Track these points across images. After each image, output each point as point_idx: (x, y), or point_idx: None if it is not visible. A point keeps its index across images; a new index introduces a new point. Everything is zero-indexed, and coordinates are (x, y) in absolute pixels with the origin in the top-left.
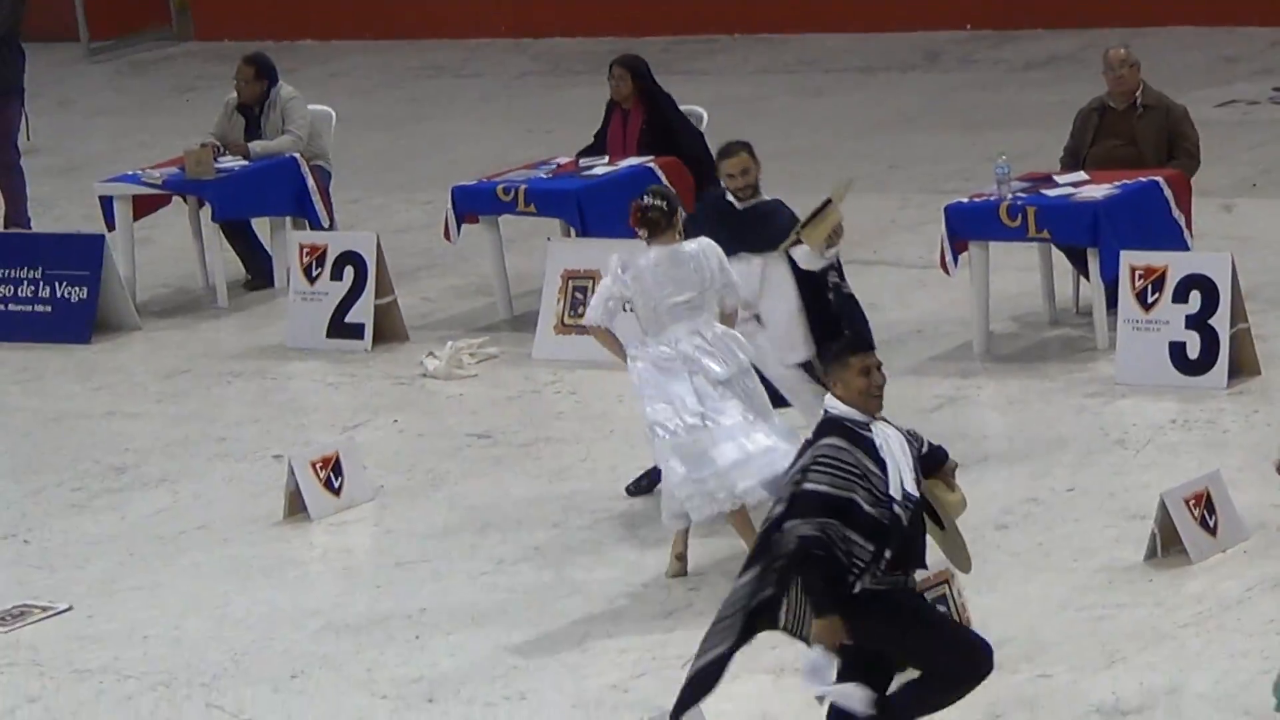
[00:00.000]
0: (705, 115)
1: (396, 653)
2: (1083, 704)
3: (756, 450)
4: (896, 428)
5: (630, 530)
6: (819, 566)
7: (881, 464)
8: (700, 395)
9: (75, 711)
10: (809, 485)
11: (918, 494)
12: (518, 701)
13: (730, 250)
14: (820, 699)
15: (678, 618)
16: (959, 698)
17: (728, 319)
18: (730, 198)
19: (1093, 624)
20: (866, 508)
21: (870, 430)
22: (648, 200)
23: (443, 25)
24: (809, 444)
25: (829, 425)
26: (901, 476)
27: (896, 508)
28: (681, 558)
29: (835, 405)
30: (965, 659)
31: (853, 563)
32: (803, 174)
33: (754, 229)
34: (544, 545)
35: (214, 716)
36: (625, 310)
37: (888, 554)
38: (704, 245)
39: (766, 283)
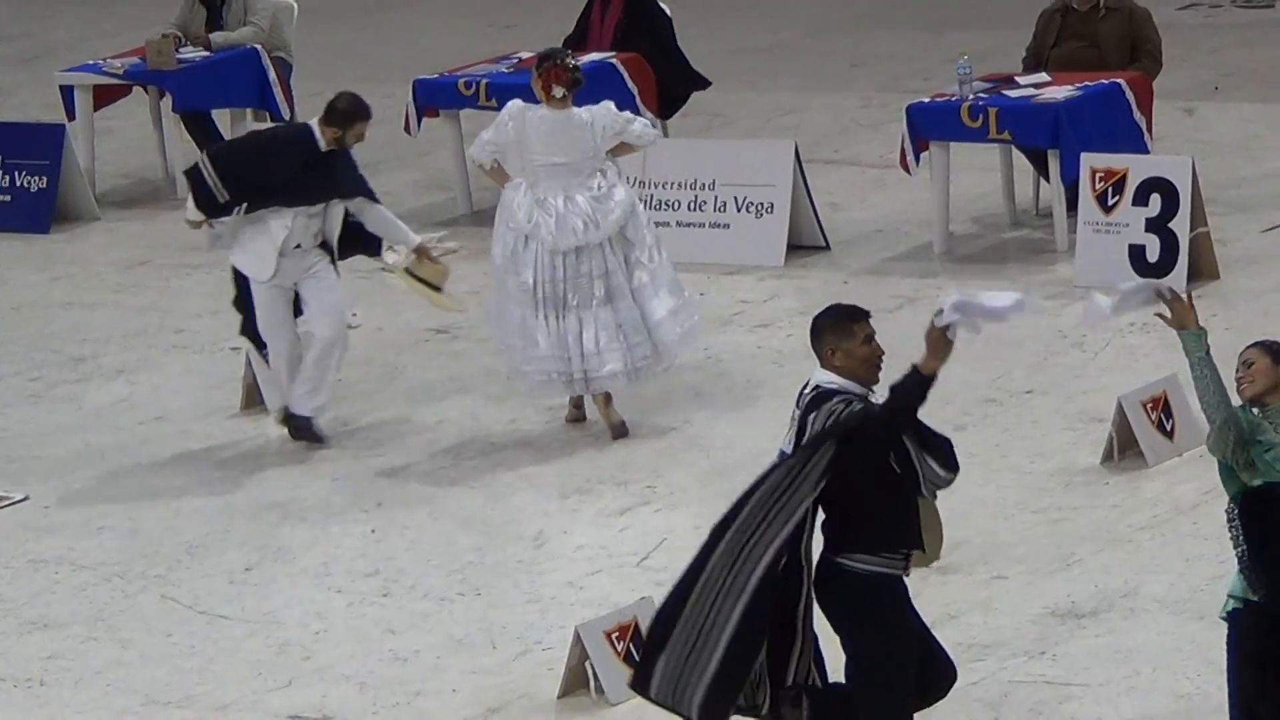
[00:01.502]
0: (669, 12)
1: (352, 546)
2: (1038, 606)
3: (610, 338)
4: None
5: (586, 427)
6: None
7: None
8: (553, 271)
9: (30, 601)
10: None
11: None
12: (473, 597)
13: None
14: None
15: (632, 515)
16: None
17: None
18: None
19: (1049, 526)
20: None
21: (870, 403)
22: (573, 62)
23: None
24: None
25: (818, 400)
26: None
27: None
28: (579, 406)
29: (830, 379)
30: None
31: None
32: (765, 70)
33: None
34: (500, 440)
35: (169, 608)
36: None
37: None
38: (596, 114)
39: None
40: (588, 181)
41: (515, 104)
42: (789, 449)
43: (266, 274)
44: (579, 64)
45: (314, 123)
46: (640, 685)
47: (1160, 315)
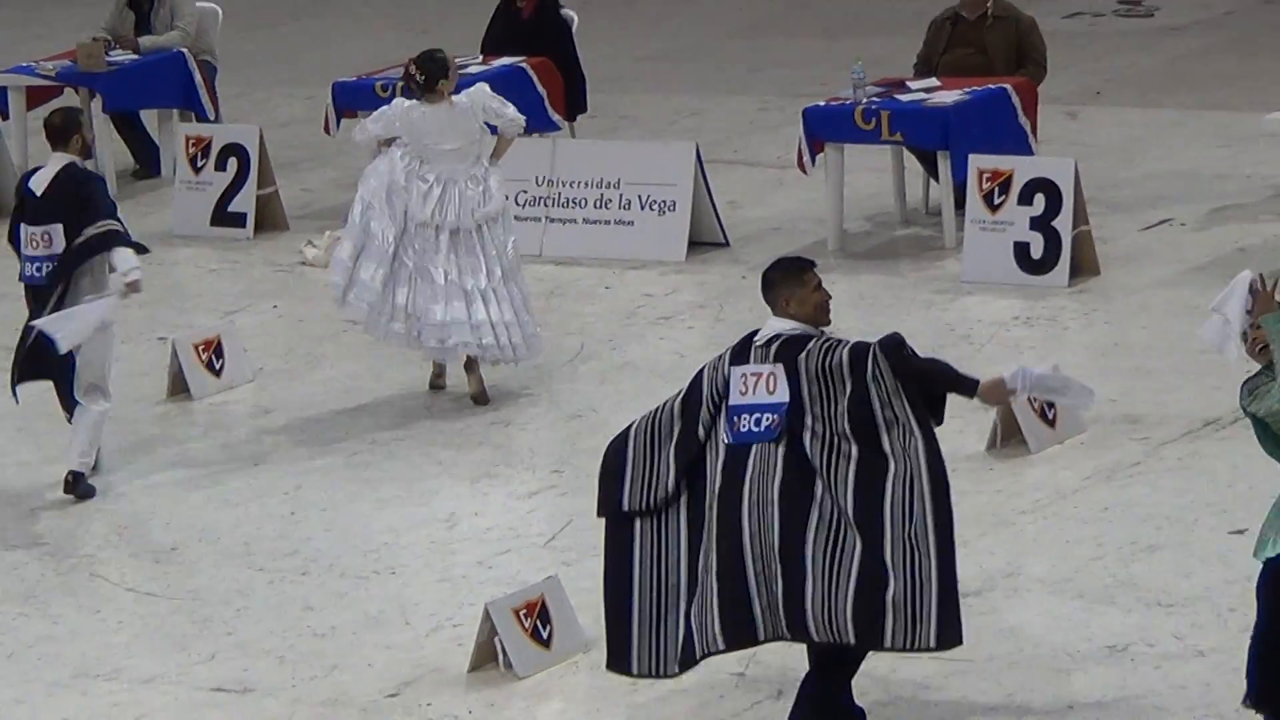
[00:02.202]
0: (575, 18)
1: (273, 527)
2: None
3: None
4: None
5: (496, 413)
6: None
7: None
8: (423, 241)
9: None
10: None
11: None
12: (388, 576)
13: None
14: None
15: (540, 498)
16: None
17: (506, 143)
18: None
19: None
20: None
21: (823, 335)
22: (442, 56)
23: None
24: (788, 361)
25: (792, 344)
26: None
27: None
28: (440, 375)
29: (791, 326)
30: None
31: None
32: (668, 75)
33: None
34: (414, 427)
35: (98, 585)
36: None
37: None
38: (473, 96)
39: None
40: (471, 169)
41: (400, 103)
42: (766, 396)
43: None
44: (445, 57)
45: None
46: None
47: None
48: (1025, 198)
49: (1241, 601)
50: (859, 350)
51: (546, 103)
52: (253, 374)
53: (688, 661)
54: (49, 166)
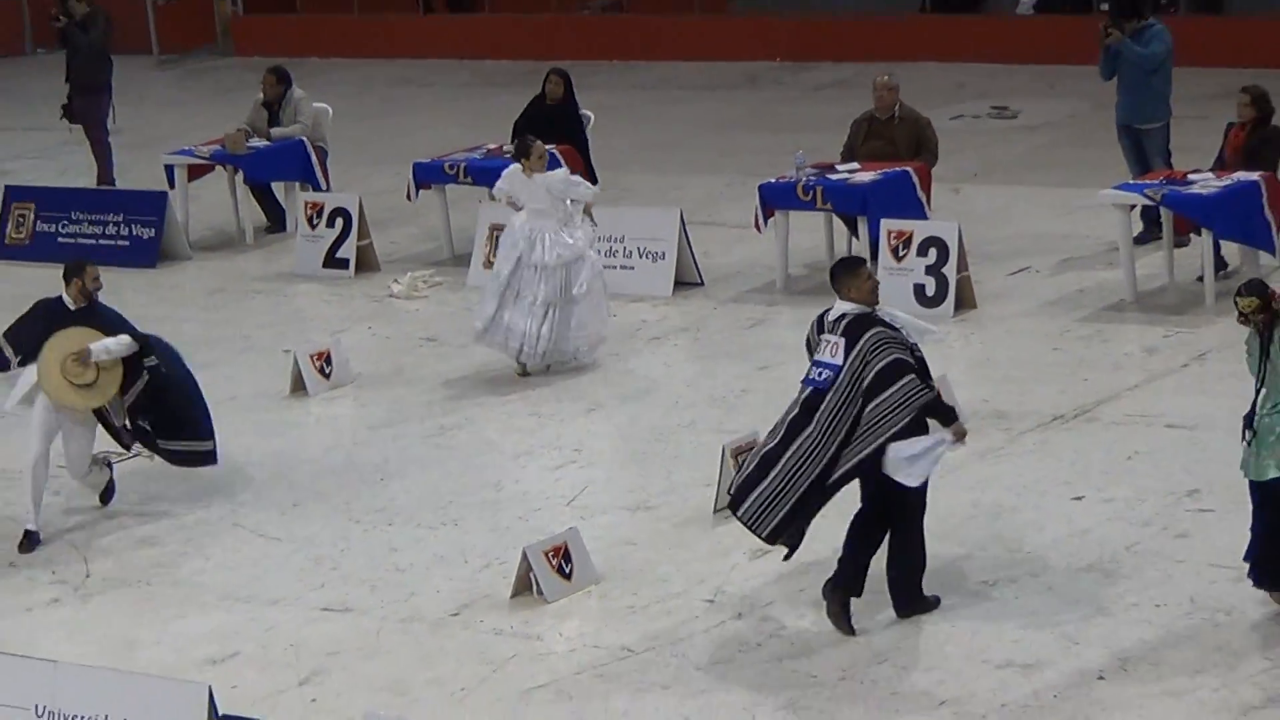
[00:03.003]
0: (592, 117)
1: (367, 490)
2: None
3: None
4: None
5: (531, 407)
6: (937, 403)
7: (899, 328)
8: (524, 274)
9: (139, 525)
10: (892, 356)
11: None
12: (451, 526)
13: None
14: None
15: (564, 470)
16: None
17: (589, 206)
18: None
19: None
20: (910, 359)
21: (878, 312)
22: (527, 143)
23: (408, 48)
24: (850, 338)
25: (860, 320)
26: (910, 331)
27: (919, 352)
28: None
29: (850, 306)
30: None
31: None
32: (660, 160)
33: None
34: (472, 416)
35: (238, 533)
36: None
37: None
38: (548, 181)
39: None
40: (557, 223)
41: (514, 166)
42: (830, 358)
43: (12, 403)
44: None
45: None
46: (734, 507)
47: None
48: (922, 251)
49: (1080, 548)
50: (890, 366)
51: None
52: (353, 377)
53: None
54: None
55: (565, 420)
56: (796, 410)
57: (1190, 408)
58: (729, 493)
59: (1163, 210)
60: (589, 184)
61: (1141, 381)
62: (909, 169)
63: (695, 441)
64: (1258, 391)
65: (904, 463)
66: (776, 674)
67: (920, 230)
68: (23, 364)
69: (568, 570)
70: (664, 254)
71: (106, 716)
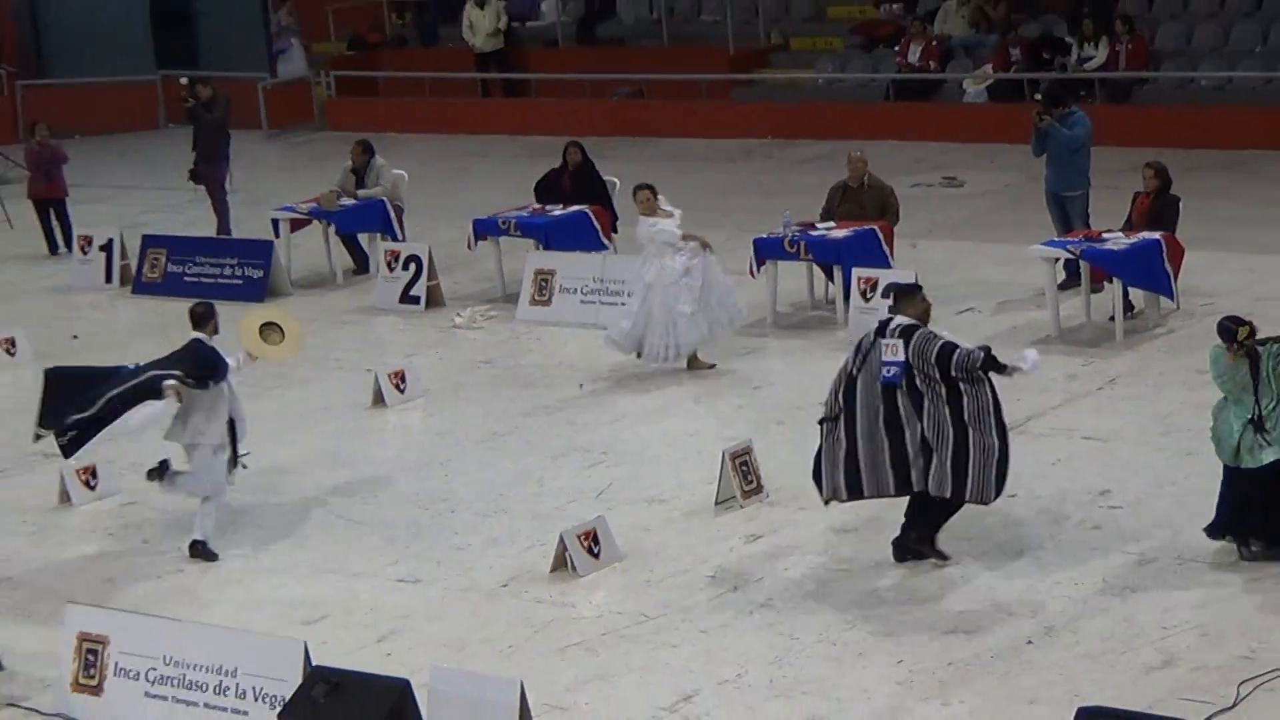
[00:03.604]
0: (618, 183)
1: (433, 484)
2: None
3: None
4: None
5: (567, 418)
6: (989, 359)
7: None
8: (663, 291)
9: (254, 521)
10: (939, 343)
11: None
12: (503, 514)
13: None
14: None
15: (593, 469)
16: None
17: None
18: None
19: None
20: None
21: (926, 327)
22: (645, 191)
23: (469, 126)
24: (905, 339)
25: (911, 328)
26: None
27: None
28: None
29: (905, 320)
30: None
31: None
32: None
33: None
34: (519, 425)
35: (328, 518)
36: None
37: None
38: (647, 232)
39: None
40: (667, 255)
41: (643, 219)
42: (893, 356)
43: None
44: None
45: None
46: (851, 494)
47: None
48: (886, 294)
49: (1014, 536)
50: (944, 349)
51: (600, 234)
52: (423, 392)
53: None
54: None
55: (595, 429)
56: (880, 402)
57: (1103, 423)
58: (816, 477)
59: (1082, 263)
60: (669, 226)
61: (1063, 401)
62: (875, 227)
63: (700, 447)
64: (1257, 402)
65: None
66: (765, 635)
67: (884, 277)
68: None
69: (596, 550)
70: None
71: (220, 666)
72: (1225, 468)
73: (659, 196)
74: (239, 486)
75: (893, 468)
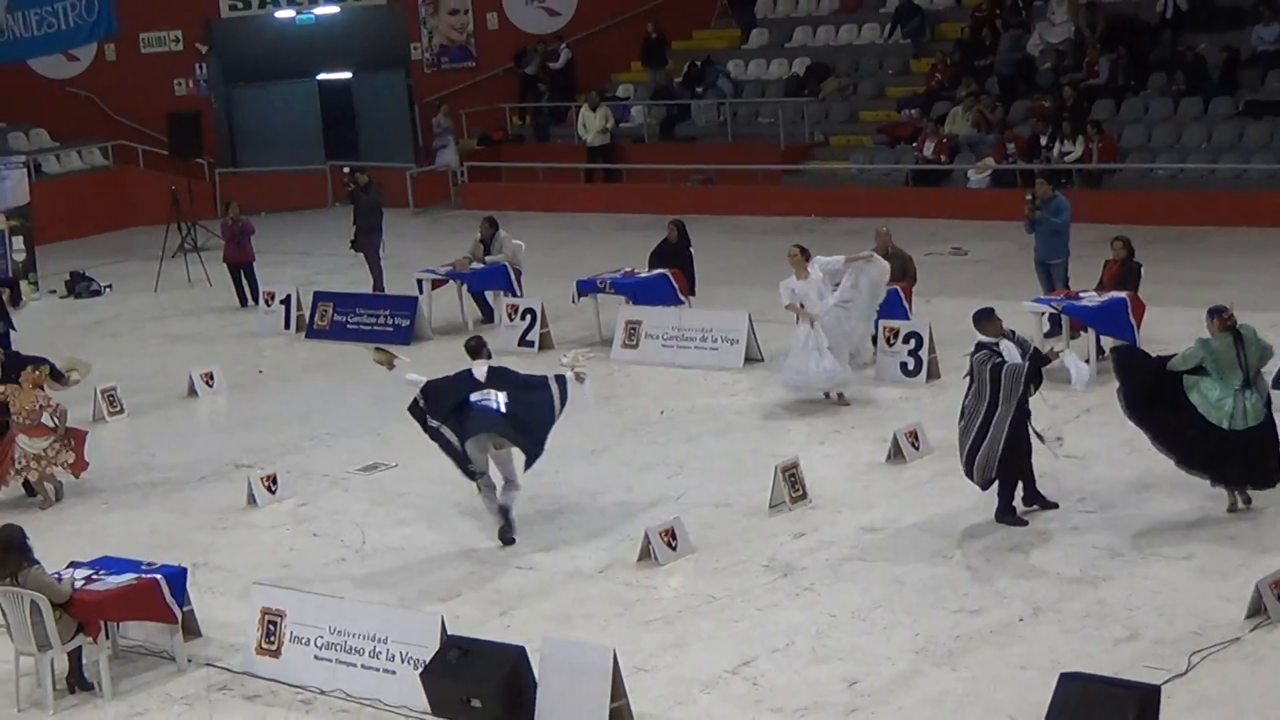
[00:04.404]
0: (693, 253)
1: (545, 488)
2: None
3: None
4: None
5: (651, 436)
6: (1034, 365)
7: (998, 353)
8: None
9: (404, 520)
10: (989, 364)
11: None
12: (598, 514)
13: None
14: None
15: (671, 480)
16: None
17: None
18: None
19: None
20: (995, 362)
21: (1000, 345)
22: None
23: (575, 204)
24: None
25: (981, 345)
26: (1008, 356)
27: (1025, 358)
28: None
29: (987, 339)
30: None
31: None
32: (735, 280)
33: None
34: (611, 442)
35: (462, 515)
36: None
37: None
38: (821, 269)
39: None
40: (824, 294)
41: (789, 280)
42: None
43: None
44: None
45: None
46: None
47: None
48: (906, 340)
49: (1008, 534)
50: (991, 370)
51: (678, 292)
52: None
53: None
54: (479, 367)
55: (672, 446)
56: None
57: (1080, 444)
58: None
59: (1063, 316)
60: (803, 287)
61: (1047, 426)
62: (898, 287)
63: (757, 462)
64: (1245, 371)
65: None
66: (809, 614)
67: (905, 327)
68: (424, 414)
69: (674, 544)
70: (737, 340)
71: (374, 635)
72: (1211, 438)
73: (809, 257)
74: (388, 491)
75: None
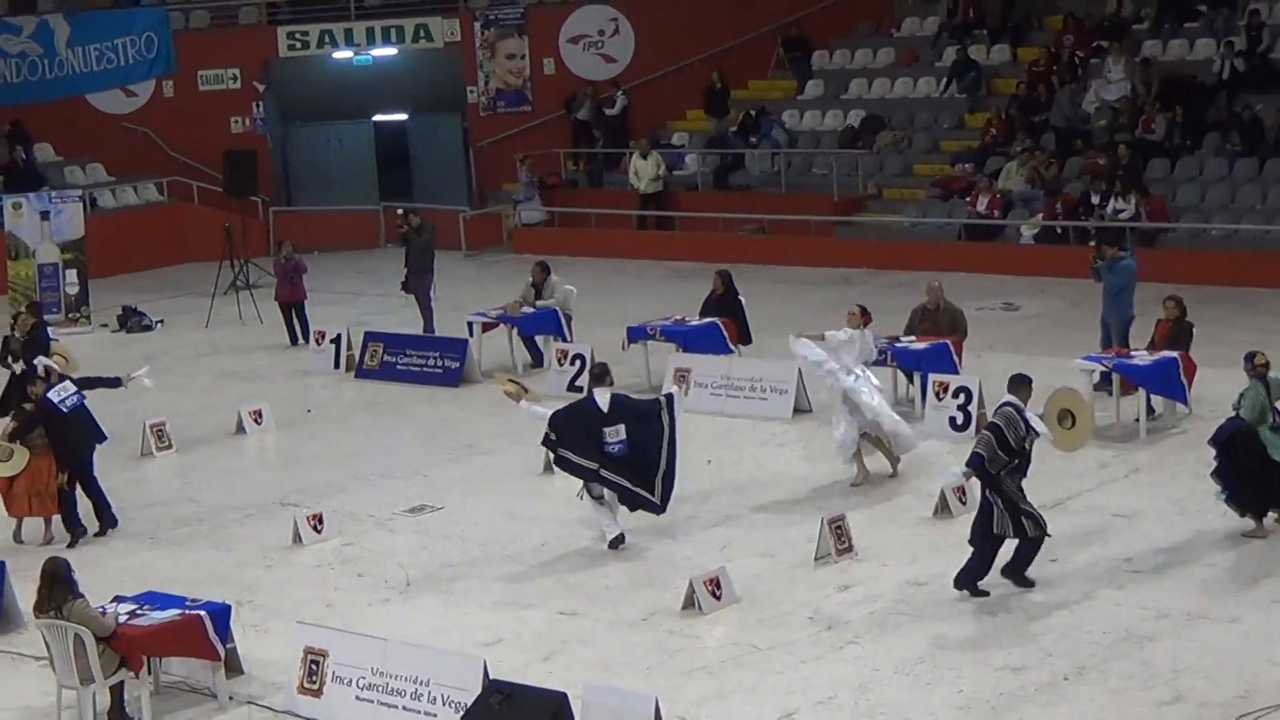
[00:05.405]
0: (745, 300)
1: (589, 537)
2: None
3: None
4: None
5: (697, 483)
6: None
7: (1028, 423)
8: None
9: (448, 562)
10: (985, 428)
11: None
12: (643, 562)
13: None
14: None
15: (718, 529)
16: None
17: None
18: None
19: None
20: (999, 434)
21: (1023, 411)
22: (858, 309)
23: (626, 251)
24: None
25: (1008, 404)
26: (1036, 427)
27: (1029, 443)
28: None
29: (1015, 401)
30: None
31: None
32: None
33: None
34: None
35: (507, 561)
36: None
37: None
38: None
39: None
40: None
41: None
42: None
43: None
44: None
45: (598, 393)
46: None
47: None
48: (955, 395)
49: (1053, 594)
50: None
51: (728, 341)
52: None
53: None
54: (601, 395)
55: (719, 496)
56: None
57: (1128, 504)
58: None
59: (1114, 374)
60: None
61: (1096, 485)
62: (948, 341)
63: (802, 514)
64: (1275, 412)
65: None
66: (853, 667)
67: (955, 381)
68: (557, 444)
69: (718, 593)
70: (786, 390)
71: (416, 677)
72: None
73: (865, 316)
74: (432, 533)
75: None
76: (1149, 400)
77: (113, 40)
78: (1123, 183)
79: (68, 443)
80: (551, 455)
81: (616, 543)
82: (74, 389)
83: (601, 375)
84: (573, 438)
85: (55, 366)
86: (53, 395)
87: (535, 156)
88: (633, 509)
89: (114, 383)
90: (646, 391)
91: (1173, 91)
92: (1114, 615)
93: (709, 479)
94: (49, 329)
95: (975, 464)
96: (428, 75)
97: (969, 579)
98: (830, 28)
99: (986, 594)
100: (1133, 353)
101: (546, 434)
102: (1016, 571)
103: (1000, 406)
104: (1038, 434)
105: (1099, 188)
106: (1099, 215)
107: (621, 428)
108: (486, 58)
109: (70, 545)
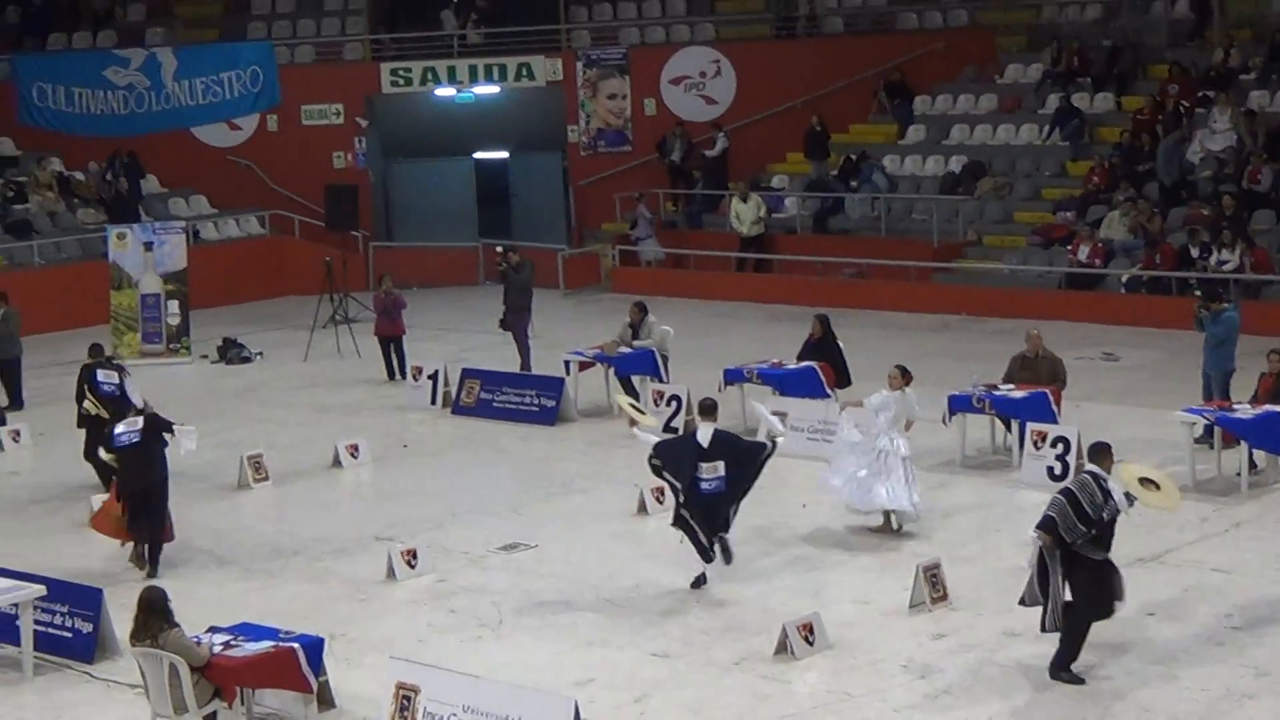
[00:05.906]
0: (844, 346)
1: (683, 580)
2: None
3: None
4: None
5: (793, 528)
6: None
7: (1107, 493)
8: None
9: (543, 602)
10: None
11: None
12: (737, 606)
13: None
14: None
15: (812, 574)
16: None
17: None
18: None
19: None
20: (1060, 508)
21: (1107, 480)
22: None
23: (724, 294)
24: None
25: (1088, 473)
26: (1116, 497)
27: (1107, 514)
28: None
29: (1100, 471)
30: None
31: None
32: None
33: None
34: (753, 535)
35: (600, 601)
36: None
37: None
38: (904, 400)
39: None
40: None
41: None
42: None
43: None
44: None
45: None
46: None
47: None
48: (1053, 444)
49: (1154, 650)
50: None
51: (825, 385)
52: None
53: None
54: (704, 429)
55: (813, 541)
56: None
57: (1229, 559)
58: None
59: (1215, 428)
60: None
61: (1197, 539)
62: (1047, 391)
63: (899, 561)
64: None
65: None
66: (946, 717)
67: (1053, 431)
68: (661, 469)
69: (811, 639)
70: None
71: (507, 715)
72: None
73: (906, 378)
74: (526, 571)
75: None
76: (1251, 454)
77: (218, 74)
78: (1228, 233)
79: (119, 475)
80: (657, 475)
81: (698, 582)
82: (138, 427)
83: (708, 410)
84: (674, 469)
85: (149, 403)
86: (119, 428)
87: (627, 196)
88: (702, 557)
89: (169, 428)
90: (744, 433)
91: (1279, 143)
92: (1213, 672)
93: (804, 523)
94: (121, 370)
95: (1047, 526)
96: (529, 114)
97: (1061, 666)
98: (933, 73)
99: (1082, 681)
100: (1235, 406)
101: (650, 458)
102: (1061, 667)
103: (1078, 474)
104: (1118, 508)
105: (1198, 239)
106: (1200, 266)
107: (721, 465)
108: (588, 97)
109: (150, 576)
